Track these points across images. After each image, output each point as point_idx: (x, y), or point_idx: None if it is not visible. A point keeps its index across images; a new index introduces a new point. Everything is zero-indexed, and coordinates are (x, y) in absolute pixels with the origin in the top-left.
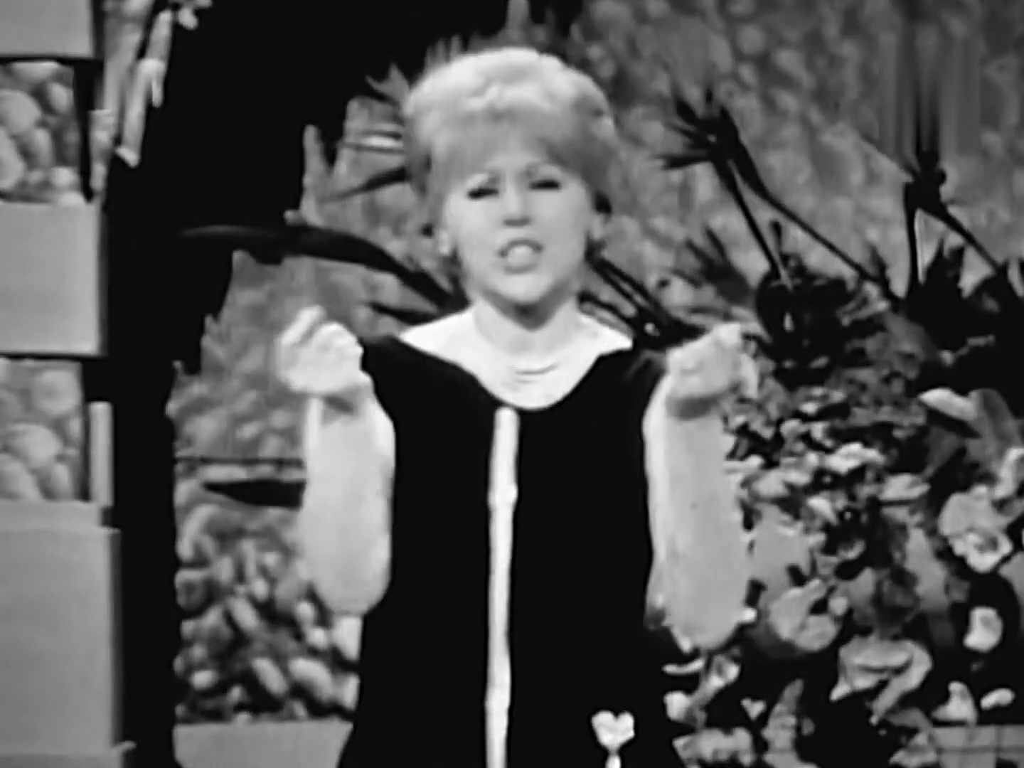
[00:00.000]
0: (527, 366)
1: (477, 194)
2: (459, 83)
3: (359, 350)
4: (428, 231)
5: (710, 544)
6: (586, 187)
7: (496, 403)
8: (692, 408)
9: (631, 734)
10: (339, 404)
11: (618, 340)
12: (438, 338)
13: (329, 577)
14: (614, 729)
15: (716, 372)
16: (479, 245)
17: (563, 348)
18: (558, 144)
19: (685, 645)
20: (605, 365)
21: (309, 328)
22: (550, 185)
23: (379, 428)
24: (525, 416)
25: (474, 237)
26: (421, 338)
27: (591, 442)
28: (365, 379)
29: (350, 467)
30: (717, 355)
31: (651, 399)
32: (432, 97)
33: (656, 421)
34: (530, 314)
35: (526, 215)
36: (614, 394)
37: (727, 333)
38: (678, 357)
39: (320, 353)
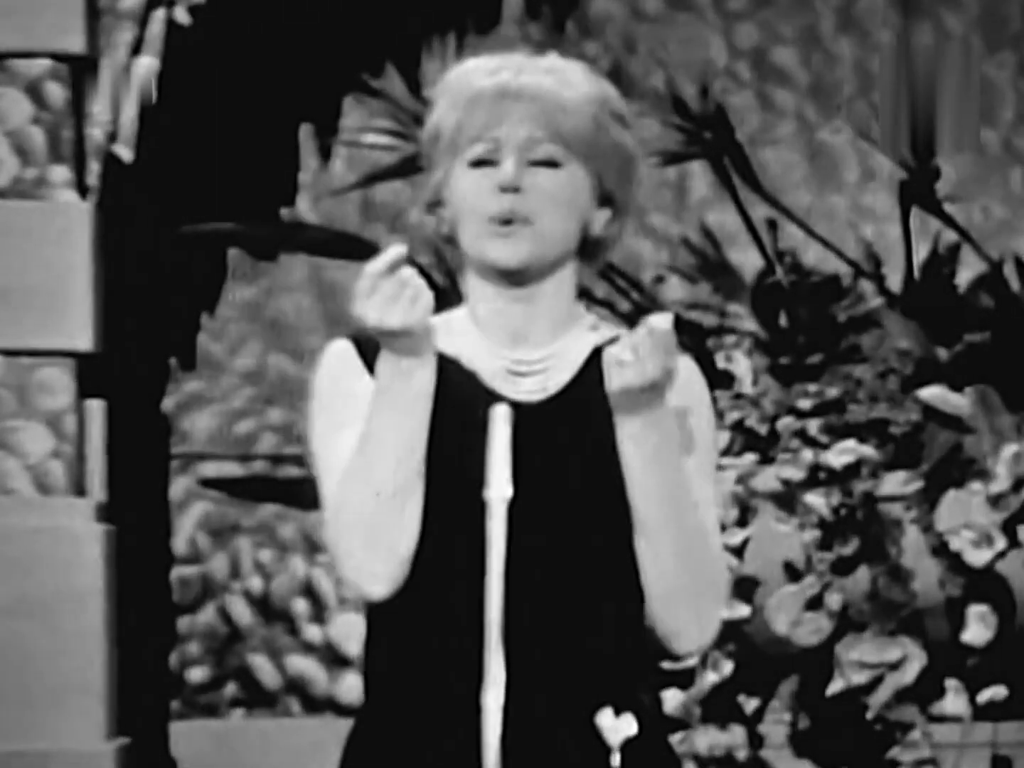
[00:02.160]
0: (522, 357)
1: (477, 164)
2: (477, 67)
3: (431, 295)
4: (432, 207)
5: (673, 548)
6: (589, 177)
7: (492, 397)
8: (632, 402)
9: (633, 731)
10: (406, 345)
11: (620, 334)
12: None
13: (363, 547)
14: (616, 727)
15: (650, 361)
16: (472, 212)
17: (559, 340)
18: (564, 127)
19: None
20: (600, 357)
21: (394, 262)
22: (550, 164)
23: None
24: (521, 410)
25: (468, 203)
26: None
27: (587, 435)
28: (433, 325)
29: (411, 421)
30: (650, 344)
31: None
32: (450, 81)
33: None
34: (519, 292)
35: (519, 183)
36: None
37: (659, 321)
38: (612, 350)
39: (399, 288)
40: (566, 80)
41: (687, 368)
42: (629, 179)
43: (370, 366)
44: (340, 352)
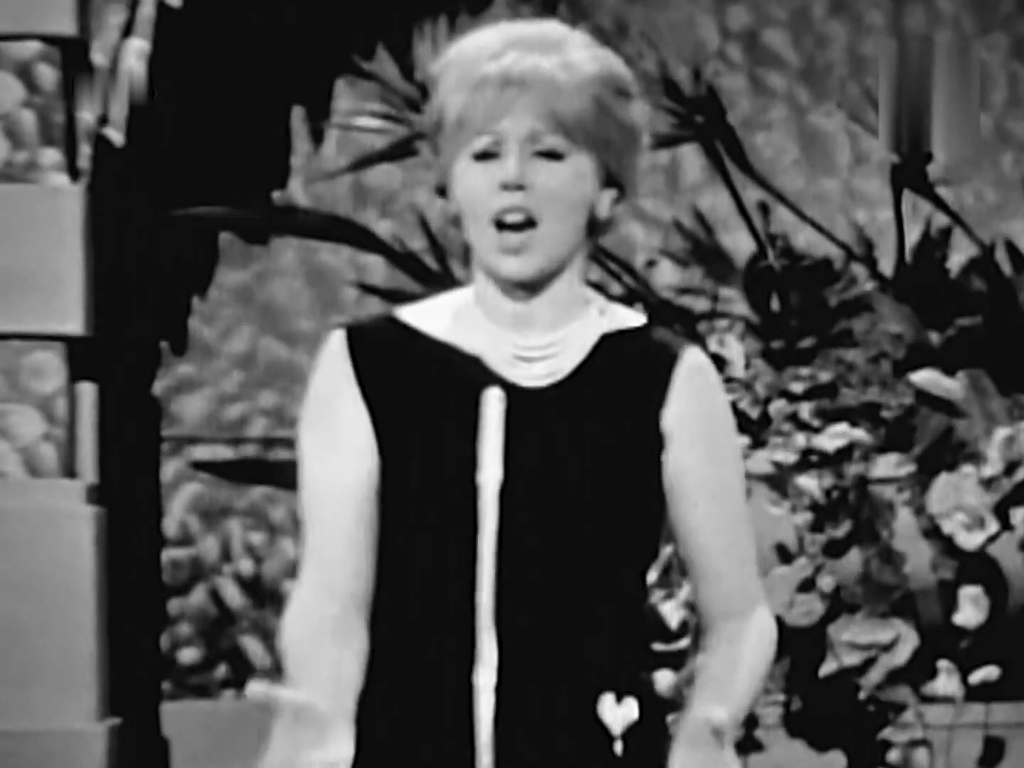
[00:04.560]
0: (529, 344)
1: (480, 157)
2: (480, 47)
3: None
4: (442, 192)
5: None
6: (594, 162)
7: (497, 383)
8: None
9: (635, 717)
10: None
11: (628, 317)
12: (437, 315)
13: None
14: (618, 712)
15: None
16: (476, 209)
17: (567, 326)
18: (566, 115)
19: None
20: (609, 344)
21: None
22: (554, 156)
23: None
24: (519, 395)
25: (472, 200)
26: (419, 315)
27: (594, 421)
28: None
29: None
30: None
31: (665, 385)
32: (453, 59)
33: (678, 418)
34: (528, 292)
35: (523, 180)
36: (619, 374)
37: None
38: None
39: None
40: (568, 62)
41: (699, 366)
42: (634, 155)
43: (364, 358)
44: (332, 357)
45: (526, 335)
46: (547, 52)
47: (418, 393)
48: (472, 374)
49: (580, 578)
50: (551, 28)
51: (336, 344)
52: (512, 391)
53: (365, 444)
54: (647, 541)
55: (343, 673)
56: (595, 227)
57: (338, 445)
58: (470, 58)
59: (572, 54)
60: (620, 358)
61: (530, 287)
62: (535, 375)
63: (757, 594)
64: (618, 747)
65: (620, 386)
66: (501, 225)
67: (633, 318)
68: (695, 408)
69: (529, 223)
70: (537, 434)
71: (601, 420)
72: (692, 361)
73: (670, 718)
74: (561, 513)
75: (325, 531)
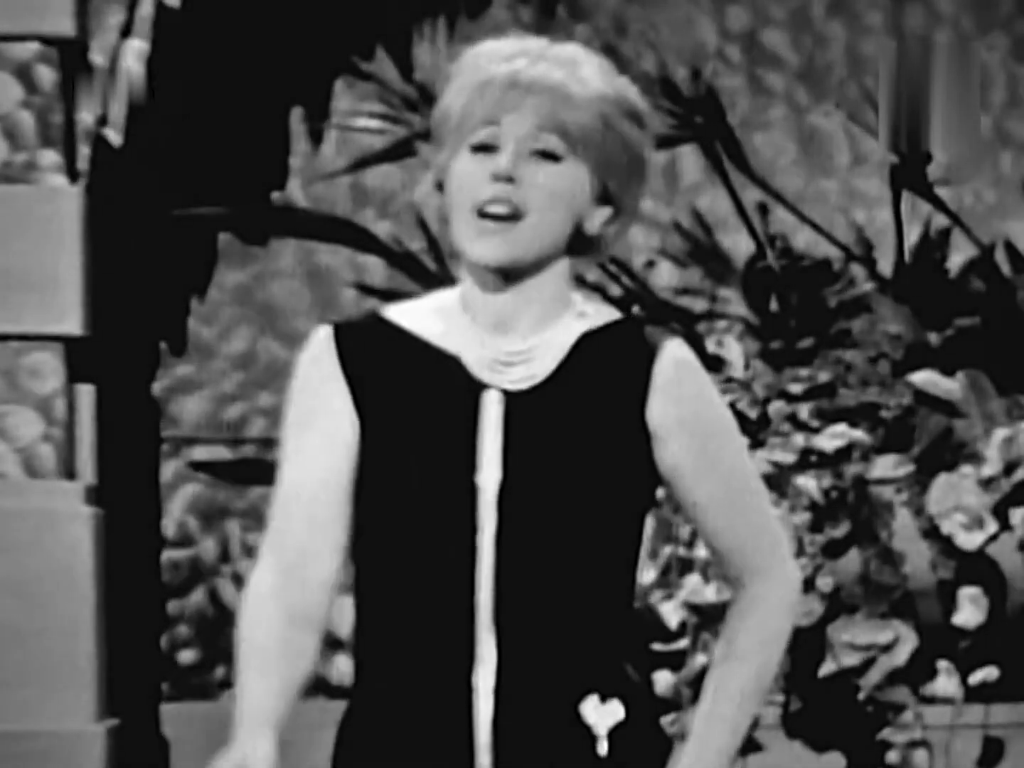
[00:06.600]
0: (510, 347)
1: (478, 149)
2: (495, 51)
3: None
4: (441, 187)
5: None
6: (591, 175)
7: (478, 385)
8: None
9: (620, 717)
10: None
11: (610, 316)
12: (422, 315)
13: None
14: (603, 713)
15: None
16: (464, 196)
17: (547, 328)
18: (570, 123)
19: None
20: (589, 342)
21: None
22: (550, 157)
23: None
24: (507, 398)
25: (461, 187)
26: (406, 314)
27: (574, 422)
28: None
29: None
30: None
31: (647, 380)
32: (467, 60)
33: (663, 413)
34: (503, 283)
35: (514, 173)
36: (599, 373)
37: None
38: None
39: None
40: (578, 76)
41: (679, 358)
42: (636, 179)
43: (351, 355)
44: (318, 352)
45: (507, 338)
46: (561, 65)
47: (404, 393)
48: (453, 376)
49: (578, 577)
50: (571, 48)
51: (323, 340)
52: (501, 393)
53: (349, 439)
54: (636, 538)
55: (293, 660)
56: (583, 242)
57: (321, 438)
58: (484, 60)
59: (585, 71)
60: (600, 356)
61: (504, 277)
62: (515, 378)
63: (767, 561)
64: (603, 747)
65: (601, 384)
66: (484, 216)
67: (615, 316)
68: (679, 400)
69: (513, 217)
70: (528, 437)
71: (584, 420)
72: (672, 354)
73: (668, 718)
74: (554, 513)
75: (293, 520)
